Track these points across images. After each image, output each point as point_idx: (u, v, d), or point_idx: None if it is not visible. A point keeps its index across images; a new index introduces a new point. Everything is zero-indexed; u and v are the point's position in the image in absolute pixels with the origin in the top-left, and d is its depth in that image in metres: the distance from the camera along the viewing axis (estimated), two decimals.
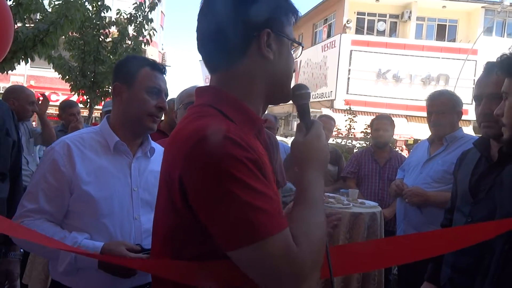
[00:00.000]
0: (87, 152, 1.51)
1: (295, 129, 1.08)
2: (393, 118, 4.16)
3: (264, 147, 1.02)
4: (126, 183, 1.54)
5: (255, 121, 0.97)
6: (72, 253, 1.38)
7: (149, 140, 1.68)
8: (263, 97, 1.00)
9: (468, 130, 15.50)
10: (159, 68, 1.63)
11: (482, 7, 20.59)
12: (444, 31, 21.79)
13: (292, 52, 1.05)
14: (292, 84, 1.05)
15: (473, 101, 1.75)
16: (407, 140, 18.59)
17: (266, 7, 0.94)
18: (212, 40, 0.96)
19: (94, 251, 1.36)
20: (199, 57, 1.04)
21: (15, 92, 3.54)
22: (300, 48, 1.07)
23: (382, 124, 3.92)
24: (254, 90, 0.97)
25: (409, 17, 20.83)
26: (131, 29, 7.88)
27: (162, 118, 3.12)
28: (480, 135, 1.82)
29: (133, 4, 7.85)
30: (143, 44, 7.84)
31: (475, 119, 1.74)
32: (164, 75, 1.67)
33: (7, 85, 19.50)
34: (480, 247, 1.40)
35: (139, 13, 7.76)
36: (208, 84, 1.03)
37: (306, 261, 0.80)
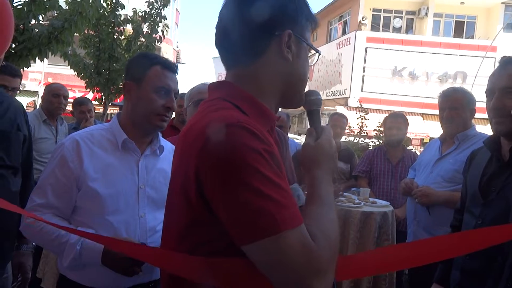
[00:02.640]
0: (95, 149, 1.52)
1: (308, 126, 1.09)
2: (408, 116, 4.10)
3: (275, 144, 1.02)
4: (133, 181, 1.56)
5: (269, 117, 0.97)
6: (76, 249, 1.40)
7: (158, 138, 1.68)
8: (277, 97, 1.00)
9: (486, 129, 15.18)
10: (170, 67, 1.62)
11: (502, 3, 20.11)
12: (462, 27, 21.36)
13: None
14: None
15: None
16: (423, 139, 18.33)
17: (289, 9, 0.95)
18: (233, 37, 0.96)
19: (97, 248, 1.39)
20: (212, 54, 1.04)
21: (44, 90, 3.77)
22: (317, 55, 1.07)
23: (395, 123, 3.87)
24: (269, 89, 0.98)
25: (426, 14, 20.49)
26: (145, 27, 7.95)
27: (173, 115, 3.14)
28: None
29: (146, 1, 7.90)
30: (156, 41, 7.89)
31: None
32: (176, 74, 1.65)
33: (25, 82, 19.97)
34: (491, 249, 1.37)
35: (153, 10, 7.81)
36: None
37: (324, 256, 0.79)
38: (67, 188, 1.48)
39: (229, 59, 1.00)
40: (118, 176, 1.52)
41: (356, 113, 9.65)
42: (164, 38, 8.14)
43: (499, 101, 1.56)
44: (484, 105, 1.66)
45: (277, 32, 0.94)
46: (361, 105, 9.36)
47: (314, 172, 0.97)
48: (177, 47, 29.31)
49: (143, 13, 7.88)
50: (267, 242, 0.75)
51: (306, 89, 1.08)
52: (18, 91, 3.10)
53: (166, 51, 23.76)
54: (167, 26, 8.10)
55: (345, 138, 7.83)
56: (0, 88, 2.09)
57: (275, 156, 0.83)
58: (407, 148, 4.52)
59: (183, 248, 0.90)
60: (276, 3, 0.93)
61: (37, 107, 18.19)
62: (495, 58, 18.28)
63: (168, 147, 1.72)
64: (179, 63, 32.15)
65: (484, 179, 1.68)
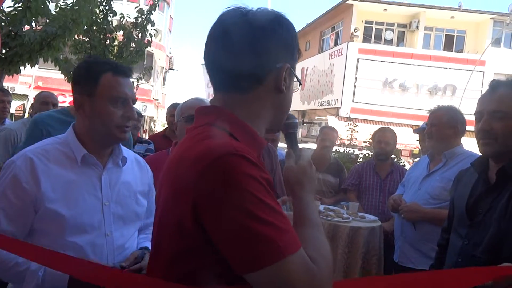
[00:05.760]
0: (52, 166, 1.38)
1: (303, 136, 1.11)
2: (398, 127, 4.17)
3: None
4: (97, 198, 1.44)
5: (259, 143, 0.98)
6: (38, 275, 1.28)
7: (120, 149, 1.56)
8: (266, 124, 1.02)
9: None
10: (122, 71, 1.48)
11: (490, 18, 20.52)
12: (452, 41, 21.72)
13: None
14: None
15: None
16: (413, 150, 18.51)
17: (290, 43, 0.98)
18: (233, 62, 0.94)
19: (62, 278, 1.27)
20: (202, 61, 1.04)
21: (34, 98, 3.89)
22: (298, 84, 1.08)
23: (383, 137, 3.91)
24: (261, 117, 0.99)
25: (417, 27, 20.81)
26: (135, 33, 7.97)
27: (165, 125, 3.11)
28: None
29: (135, 8, 7.95)
30: (144, 45, 7.91)
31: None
32: (129, 78, 1.53)
33: (15, 85, 19.76)
34: None
35: (142, 16, 7.85)
36: (210, 88, 1.06)
37: (325, 278, 0.81)
38: (21, 211, 1.33)
39: (222, 83, 0.98)
40: (80, 194, 1.40)
41: (348, 124, 9.72)
42: (151, 41, 8.15)
43: (487, 123, 1.59)
44: (473, 117, 1.69)
45: (278, 64, 0.95)
46: (349, 117, 9.44)
47: (300, 194, 1.02)
48: (170, 53, 29.27)
49: (134, 19, 7.91)
50: (272, 269, 0.76)
51: (298, 99, 1.10)
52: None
53: (159, 57, 23.65)
54: (155, 30, 8.12)
55: (336, 149, 7.85)
56: None
57: (270, 183, 0.85)
58: (396, 161, 4.55)
59: (175, 274, 0.88)
60: (282, 36, 0.96)
61: (27, 111, 17.91)
62: (483, 72, 18.62)
63: (131, 157, 1.62)
64: (171, 69, 32.07)
65: (471, 200, 1.70)
